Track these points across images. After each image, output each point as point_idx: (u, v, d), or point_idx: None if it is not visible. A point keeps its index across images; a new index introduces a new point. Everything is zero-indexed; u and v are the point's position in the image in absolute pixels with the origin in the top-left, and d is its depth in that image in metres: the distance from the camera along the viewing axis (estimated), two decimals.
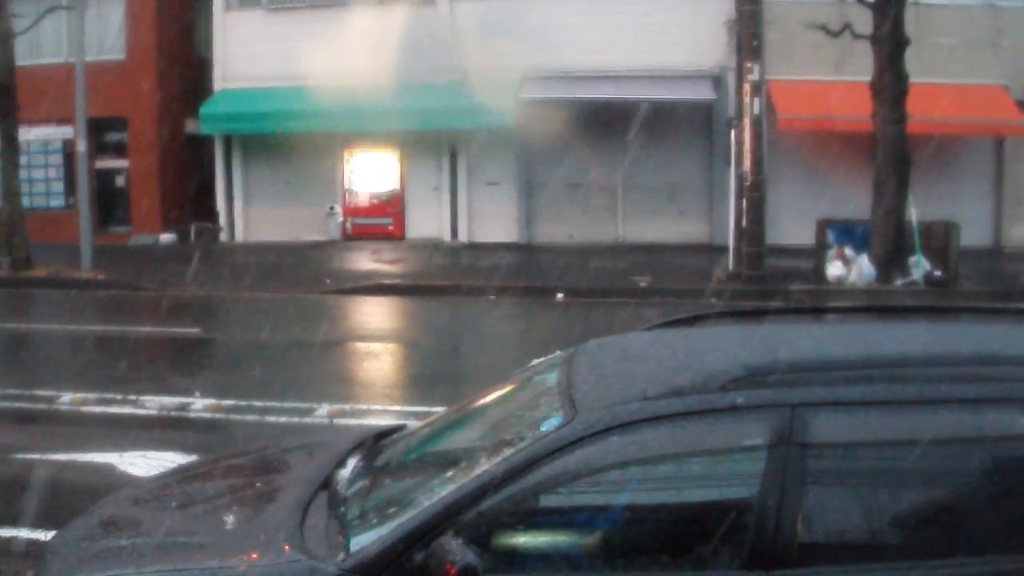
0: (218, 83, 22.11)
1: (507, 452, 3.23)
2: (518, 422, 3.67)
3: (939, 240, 17.58)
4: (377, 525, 3.24)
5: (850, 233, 17.50)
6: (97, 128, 21.91)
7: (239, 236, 22.54)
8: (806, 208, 19.66)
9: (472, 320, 14.76)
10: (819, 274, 17.29)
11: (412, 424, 4.73)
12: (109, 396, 9.70)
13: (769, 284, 16.87)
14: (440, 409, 8.59)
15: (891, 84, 16.85)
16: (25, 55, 22.03)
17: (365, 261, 19.56)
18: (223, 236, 22.44)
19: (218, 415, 8.95)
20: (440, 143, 21.79)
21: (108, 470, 7.47)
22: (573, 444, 3.10)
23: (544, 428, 3.27)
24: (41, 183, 23.81)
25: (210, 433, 8.47)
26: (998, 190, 22.00)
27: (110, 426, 8.84)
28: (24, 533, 6.14)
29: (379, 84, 20.84)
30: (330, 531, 3.32)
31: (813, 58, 20.46)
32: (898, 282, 16.94)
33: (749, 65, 16.65)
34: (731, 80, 20.43)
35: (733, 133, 17.19)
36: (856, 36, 17.41)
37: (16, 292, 17.64)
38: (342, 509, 3.47)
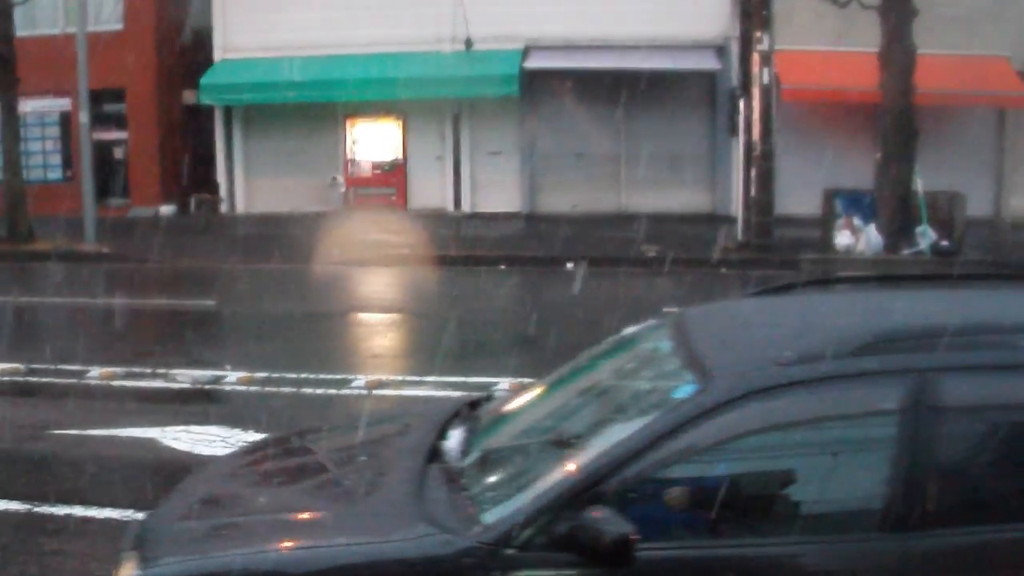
0: (218, 53, 21.87)
1: (640, 420, 3.24)
2: (638, 390, 3.70)
3: (944, 210, 17.70)
4: (510, 497, 3.22)
5: (857, 203, 17.57)
6: (95, 99, 21.48)
7: (240, 207, 22.39)
8: (808, 178, 19.67)
9: (488, 291, 14.72)
10: (827, 243, 17.36)
11: (499, 393, 4.72)
12: (137, 370, 9.64)
13: (778, 253, 16.92)
14: (479, 380, 8.66)
15: (899, 55, 16.87)
16: (20, 26, 21.68)
17: (371, 231, 19.42)
18: (224, 207, 22.29)
19: (253, 388, 8.91)
20: (443, 112, 21.65)
21: (151, 445, 7.42)
22: (712, 410, 3.13)
23: (678, 395, 3.28)
24: (38, 155, 23.47)
25: (248, 406, 8.39)
26: (999, 161, 22.10)
27: (144, 400, 8.80)
28: (85, 511, 6.09)
29: (381, 53, 20.77)
30: (456, 504, 3.29)
31: (815, 28, 20.40)
32: (905, 252, 17.04)
33: (759, 34, 16.62)
34: (734, 49, 20.41)
35: (742, 103, 17.19)
36: (864, 6, 17.41)
37: (21, 266, 17.47)
38: (464, 482, 3.45)
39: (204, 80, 21.31)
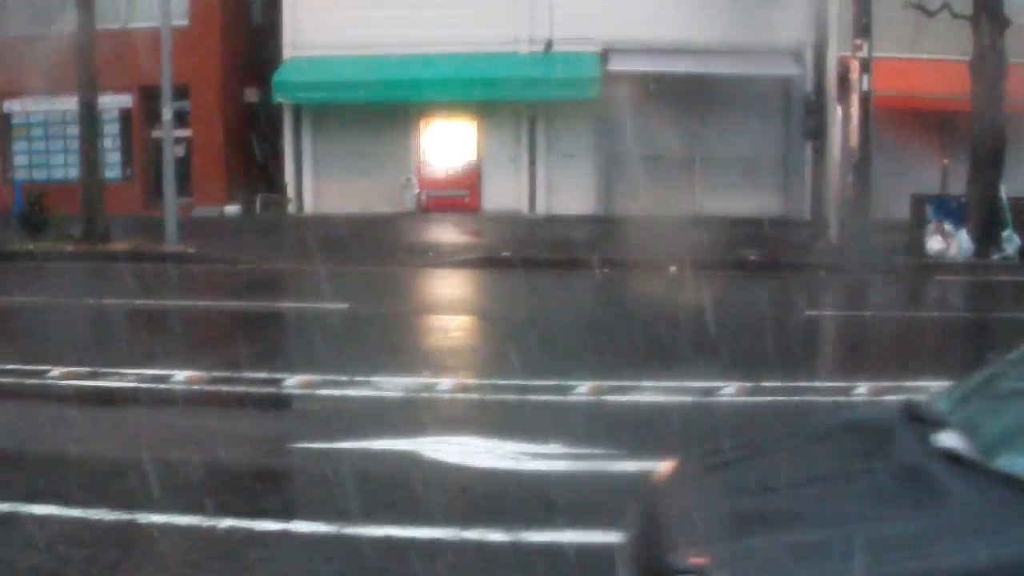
0: (287, 51, 21.61)
1: None
2: None
3: None
4: None
5: (945, 208, 17.81)
6: (156, 96, 21.27)
7: (308, 208, 22.16)
8: (885, 182, 19.88)
9: (613, 293, 14.65)
10: (918, 247, 17.57)
11: (942, 393, 4.66)
12: (332, 378, 9.35)
13: (873, 257, 17.07)
14: (699, 384, 8.58)
15: (991, 64, 17.13)
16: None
17: (452, 233, 19.34)
18: (291, 208, 22.05)
19: (474, 395, 8.69)
20: (518, 114, 21.57)
21: (415, 458, 7.12)
22: None
23: None
24: None
25: (486, 414, 8.22)
26: None
27: (368, 410, 8.53)
28: (404, 531, 5.77)
29: (456, 53, 20.66)
30: None
31: (889, 36, 20.56)
32: (994, 256, 17.31)
33: (858, 41, 16.78)
34: (809, 55, 20.53)
35: (839, 109, 17.36)
36: (955, 16, 17.62)
37: (107, 267, 17.13)
38: None
39: (276, 78, 21.05)
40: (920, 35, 19.83)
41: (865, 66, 16.84)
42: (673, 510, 4.20)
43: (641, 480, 6.41)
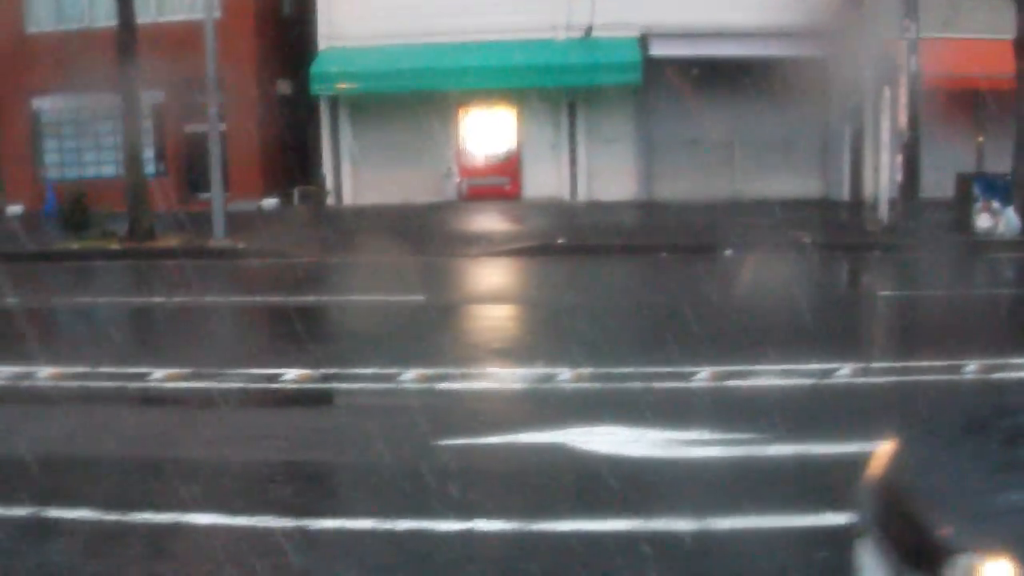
0: (323, 41, 21.47)
1: None
2: None
3: None
4: None
5: (992, 186, 17.97)
6: (188, 90, 21.20)
7: (347, 199, 22.08)
8: (926, 161, 19.97)
9: (684, 277, 14.62)
10: (966, 226, 17.72)
11: None
12: (445, 371, 9.28)
13: (924, 236, 17.22)
14: (816, 367, 8.62)
15: None
16: (110, 15, 21.16)
17: (498, 221, 19.32)
18: (330, 200, 21.96)
19: (597, 384, 8.62)
20: (557, 100, 21.55)
21: (568, 450, 7.04)
22: None
23: None
24: None
25: (618, 402, 8.02)
26: None
27: (496, 403, 8.52)
28: (591, 525, 5.75)
29: (493, 41, 20.59)
30: None
31: (925, 15, 20.60)
32: None
33: (907, 23, 16.87)
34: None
35: (887, 90, 17.46)
36: None
37: (159, 264, 17.06)
38: None
39: (312, 69, 20.93)
40: (956, 14, 19.91)
41: (912, 47, 16.92)
42: (921, 490, 4.11)
43: (802, 464, 6.58)
